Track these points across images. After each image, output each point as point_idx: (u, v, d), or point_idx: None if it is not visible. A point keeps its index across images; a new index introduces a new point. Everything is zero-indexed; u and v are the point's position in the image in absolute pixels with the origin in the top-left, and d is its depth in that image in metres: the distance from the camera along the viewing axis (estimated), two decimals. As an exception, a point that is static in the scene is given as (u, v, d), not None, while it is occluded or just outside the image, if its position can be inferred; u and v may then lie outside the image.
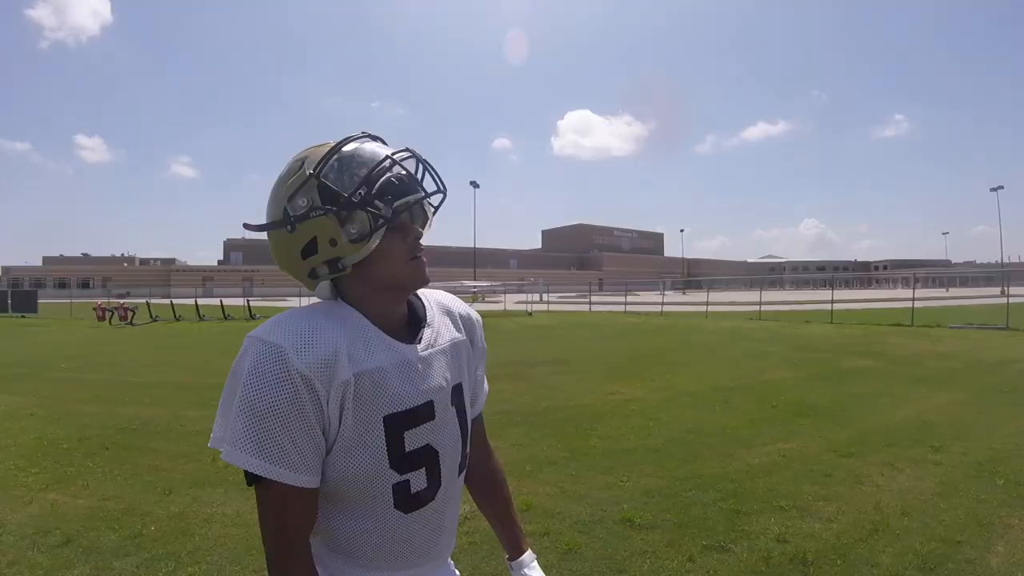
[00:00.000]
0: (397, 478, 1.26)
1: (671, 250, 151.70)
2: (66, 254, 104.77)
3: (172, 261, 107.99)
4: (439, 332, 1.40)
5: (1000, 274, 64.05)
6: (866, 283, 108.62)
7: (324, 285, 1.27)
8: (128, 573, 3.88)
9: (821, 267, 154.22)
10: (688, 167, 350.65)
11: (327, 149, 1.22)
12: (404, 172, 1.24)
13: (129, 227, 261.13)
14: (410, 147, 1.27)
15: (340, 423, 1.18)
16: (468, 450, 1.46)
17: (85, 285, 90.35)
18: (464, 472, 1.46)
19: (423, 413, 1.28)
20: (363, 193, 1.18)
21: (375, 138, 1.30)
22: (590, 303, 42.13)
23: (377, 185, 1.19)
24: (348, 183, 1.19)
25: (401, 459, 1.26)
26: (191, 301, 38.03)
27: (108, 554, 4.13)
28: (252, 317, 32.76)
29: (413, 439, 1.27)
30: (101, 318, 29.53)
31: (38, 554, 4.13)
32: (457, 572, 1.54)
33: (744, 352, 15.42)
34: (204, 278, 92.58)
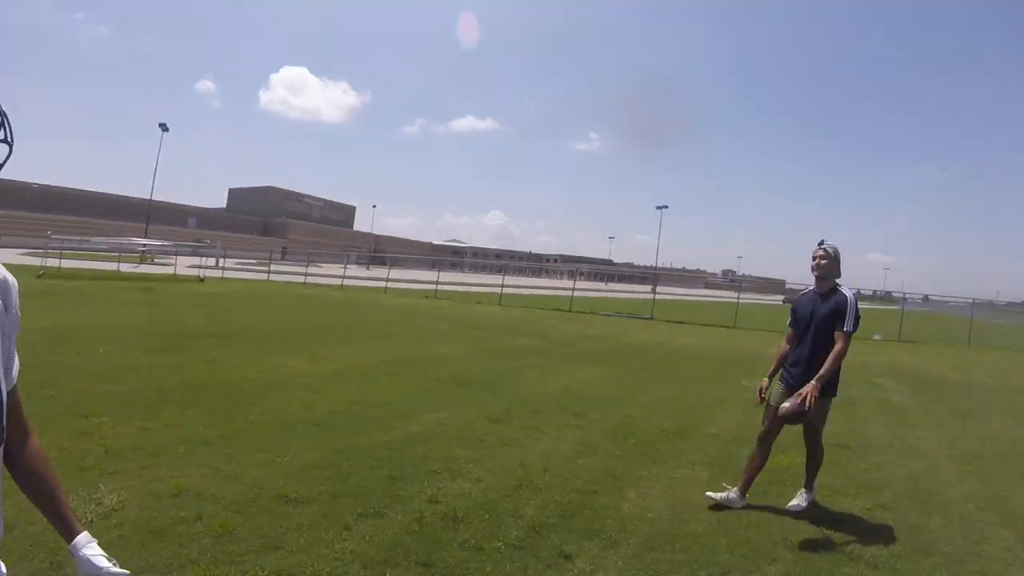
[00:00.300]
0: None
1: (361, 224, 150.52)
2: None
3: None
4: None
5: (652, 275, 72.42)
6: (537, 272, 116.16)
7: None
8: None
9: (499, 255, 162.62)
10: (394, 145, 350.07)
11: None
12: None
13: None
14: None
15: None
16: (4, 423, 1.31)
17: None
18: (1, 447, 1.33)
19: None
20: None
21: None
22: (269, 272, 40.28)
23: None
24: None
25: None
26: None
27: None
28: None
29: None
30: None
31: None
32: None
33: (416, 328, 15.74)
34: None
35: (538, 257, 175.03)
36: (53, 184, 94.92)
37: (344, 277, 36.04)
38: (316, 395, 7.47)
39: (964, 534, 4.70)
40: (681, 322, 24.41)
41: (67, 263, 34.90)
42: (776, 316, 34.94)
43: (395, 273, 42.61)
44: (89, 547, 1.41)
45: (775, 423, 4.72)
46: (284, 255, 73.03)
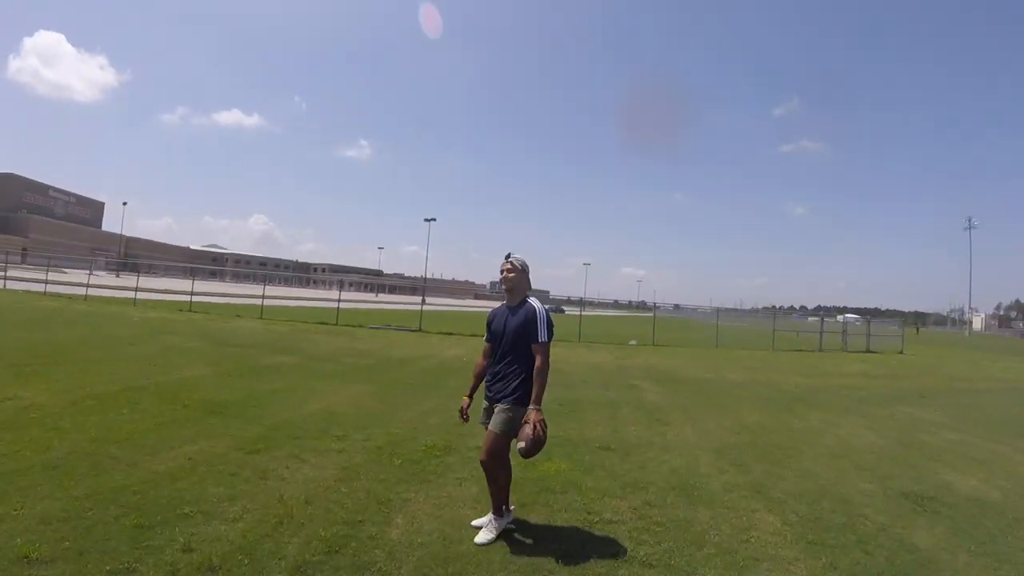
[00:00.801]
0: None
1: (111, 224, 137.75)
2: None
3: None
4: None
5: (421, 286, 73.07)
6: (305, 283, 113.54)
7: None
8: None
9: (263, 263, 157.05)
10: (151, 134, 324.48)
11: None
12: None
13: None
14: None
15: None
16: None
17: None
18: None
19: None
20: None
21: None
22: (5, 278, 35.68)
23: None
24: None
25: None
26: None
27: None
28: None
29: None
30: None
31: None
32: None
33: (165, 347, 14.47)
34: None
35: (305, 266, 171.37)
36: None
37: (89, 286, 32.68)
38: (52, 432, 6.70)
39: (731, 523, 5.15)
40: (451, 333, 24.60)
41: None
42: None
43: (147, 281, 39.65)
44: None
45: (497, 448, 4.61)
46: (24, 257, 65.42)
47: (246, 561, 3.94)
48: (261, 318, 25.43)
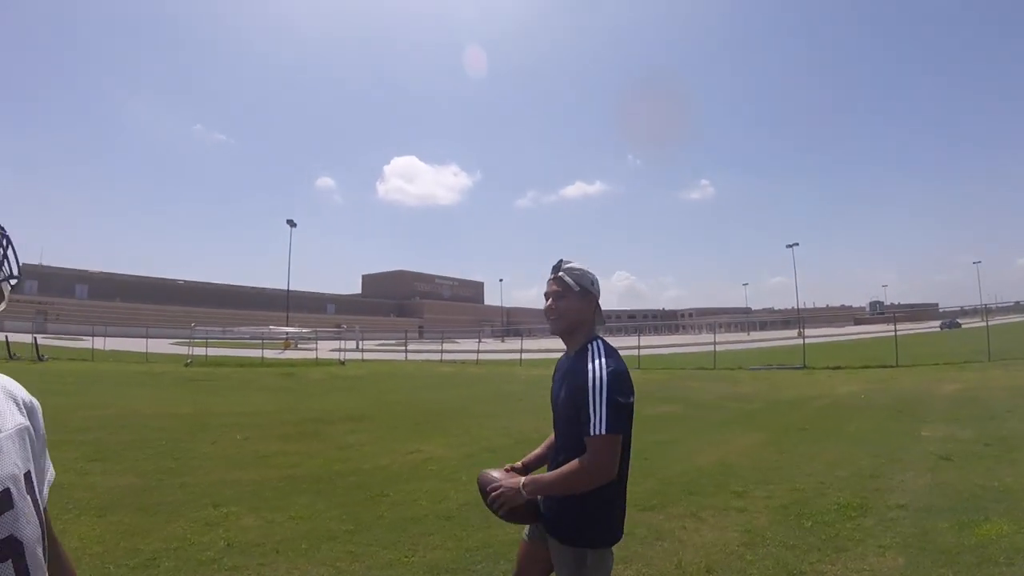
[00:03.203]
0: None
1: (491, 299, 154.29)
2: None
3: None
4: (4, 416, 1.28)
5: (796, 318, 69.30)
6: (673, 329, 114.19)
7: None
8: None
9: (632, 315, 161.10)
10: (509, 220, 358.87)
11: None
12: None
13: None
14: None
15: None
16: (47, 543, 1.32)
17: None
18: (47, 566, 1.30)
19: (2, 502, 1.18)
20: None
21: None
22: (407, 351, 41.17)
23: None
24: None
25: None
26: None
27: None
28: (40, 358, 29.30)
29: None
30: None
31: None
32: None
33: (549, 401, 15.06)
34: None
35: (672, 313, 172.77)
36: (197, 280, 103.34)
37: (479, 352, 36.32)
38: (448, 483, 7.02)
39: None
40: (838, 367, 22.21)
41: (213, 351, 36.66)
42: (940, 345, 32.52)
43: (529, 343, 42.60)
44: None
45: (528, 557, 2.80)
46: (421, 333, 74.94)
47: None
48: (639, 368, 25.55)
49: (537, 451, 3.01)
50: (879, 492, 6.14)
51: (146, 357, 34.52)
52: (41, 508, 1.31)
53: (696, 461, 7.87)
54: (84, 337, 49.84)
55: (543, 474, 2.54)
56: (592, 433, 2.34)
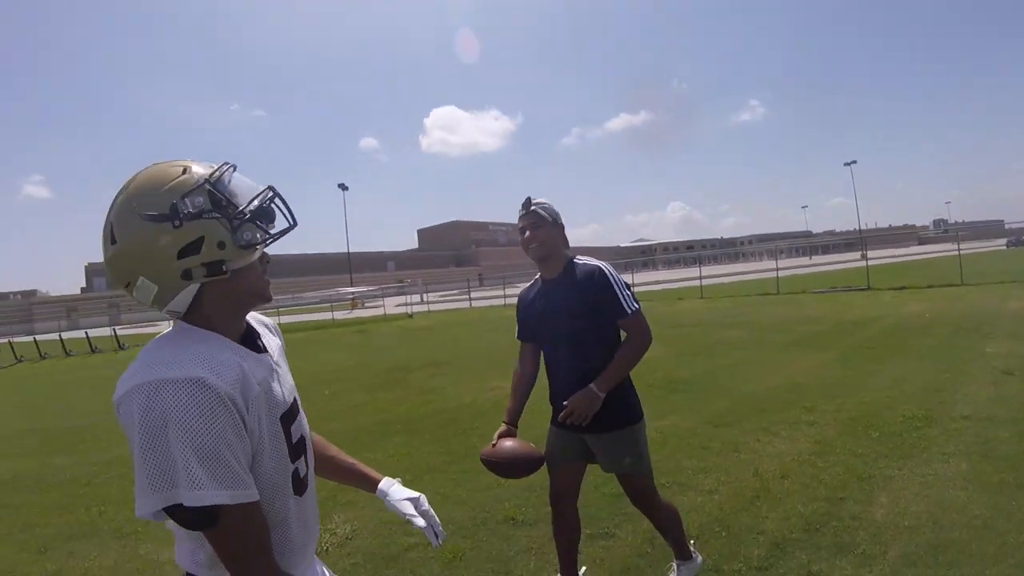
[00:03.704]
0: (291, 467, 1.43)
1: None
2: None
3: (33, 293, 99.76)
4: (269, 341, 1.53)
5: (859, 239, 67.84)
6: (733, 258, 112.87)
7: (187, 292, 1.29)
8: None
9: (690, 246, 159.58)
10: (556, 158, 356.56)
11: (204, 165, 1.32)
12: (275, 204, 1.38)
13: None
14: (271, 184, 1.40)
15: (259, 431, 1.30)
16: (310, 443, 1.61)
17: None
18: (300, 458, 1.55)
19: (294, 409, 1.48)
20: (254, 208, 1.34)
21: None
22: (470, 299, 41.82)
23: (263, 207, 1.36)
24: (240, 197, 1.33)
25: (294, 450, 1.44)
26: (56, 336, 35.14)
27: None
28: (121, 347, 30.70)
29: (294, 432, 1.45)
30: None
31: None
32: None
33: (619, 332, 15.44)
34: (68, 309, 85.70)
35: (731, 242, 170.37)
36: None
37: (540, 293, 36.69)
38: (530, 414, 7.42)
39: None
40: (903, 287, 21.89)
41: (286, 319, 37.91)
42: (1006, 263, 31.77)
43: (590, 281, 42.72)
44: (393, 488, 1.82)
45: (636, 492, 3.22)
46: (481, 281, 75.47)
47: (723, 534, 3.90)
48: (702, 298, 25.66)
49: (513, 403, 3.35)
50: (943, 405, 6.36)
51: None
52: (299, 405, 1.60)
53: (765, 381, 8.17)
54: (159, 323, 51.78)
55: (605, 372, 2.91)
56: (629, 312, 2.93)
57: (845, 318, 14.53)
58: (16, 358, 29.13)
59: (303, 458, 1.49)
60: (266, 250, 1.40)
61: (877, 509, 4.06)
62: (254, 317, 1.56)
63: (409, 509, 1.77)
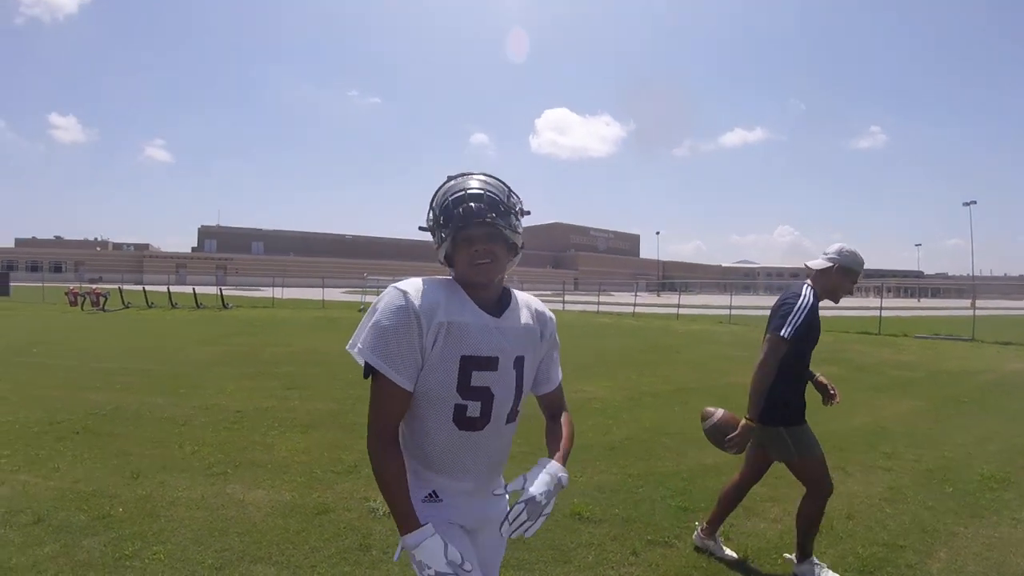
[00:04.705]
0: (459, 400, 1.79)
1: (647, 252, 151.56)
2: (39, 236, 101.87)
3: (145, 247, 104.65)
4: (518, 316, 1.93)
5: (970, 287, 64.80)
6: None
7: (445, 266, 1.89)
8: (96, 551, 3.91)
9: (795, 274, 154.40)
10: (665, 170, 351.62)
11: (443, 182, 1.81)
12: (472, 206, 1.73)
13: (102, 210, 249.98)
14: (491, 187, 1.80)
15: (432, 350, 1.73)
16: (519, 407, 1.95)
17: (57, 269, 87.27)
18: (513, 423, 1.96)
19: (490, 362, 1.80)
20: (436, 218, 1.78)
21: (480, 174, 1.83)
22: (563, 302, 41.99)
23: (449, 214, 1.74)
24: (436, 210, 1.78)
25: (466, 389, 1.78)
26: (163, 288, 36.92)
27: (77, 533, 4.17)
28: (225, 306, 32.29)
29: (478, 379, 1.79)
30: (73, 303, 28.90)
31: (10, 531, 4.15)
32: (506, 500, 2.00)
33: (710, 355, 15.54)
34: (177, 265, 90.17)
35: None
36: (360, 234, 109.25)
37: (635, 305, 36.67)
38: (611, 420, 7.78)
39: None
40: (1009, 343, 20.79)
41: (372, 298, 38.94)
42: None
43: (686, 298, 42.58)
44: (541, 467, 1.84)
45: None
46: (576, 285, 75.59)
47: (779, 561, 4.06)
48: (799, 328, 25.15)
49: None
50: None
51: (322, 304, 37.43)
52: (522, 386, 1.92)
53: (851, 421, 8.12)
54: (263, 288, 53.95)
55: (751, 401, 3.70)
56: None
57: (942, 367, 14.16)
58: (124, 304, 30.93)
59: (479, 403, 1.81)
60: (470, 245, 1.76)
61: (934, 563, 4.13)
62: (524, 300, 2.02)
63: (533, 489, 1.73)
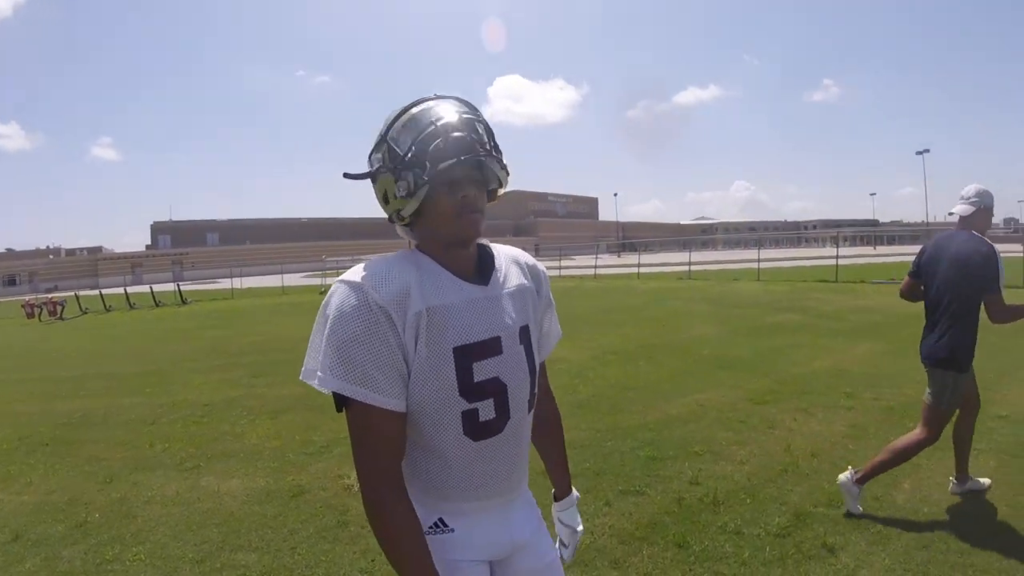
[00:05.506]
0: (466, 406, 1.37)
1: (606, 214, 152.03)
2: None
3: (99, 249, 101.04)
4: (507, 277, 1.50)
5: (925, 232, 66.03)
6: (795, 242, 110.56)
7: (404, 230, 1.43)
8: (77, 560, 3.88)
9: (752, 228, 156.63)
10: (621, 131, 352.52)
11: (399, 110, 1.37)
12: (461, 135, 1.31)
13: (53, 217, 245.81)
14: (475, 113, 1.39)
15: (415, 351, 1.30)
16: (536, 390, 1.56)
17: (11, 282, 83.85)
18: (533, 410, 1.56)
19: (490, 346, 1.39)
20: (412, 154, 1.30)
21: (452, 99, 1.42)
22: (524, 268, 42.22)
23: (428, 148, 1.29)
24: (404, 144, 1.32)
25: (470, 388, 1.36)
26: (120, 290, 36.32)
27: (56, 544, 4.13)
28: (184, 302, 31.69)
29: (481, 370, 1.37)
30: (30, 315, 28.05)
31: (-11, 552, 4.08)
32: (536, 506, 1.69)
33: (671, 311, 15.69)
34: (133, 265, 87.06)
35: (795, 225, 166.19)
36: (321, 216, 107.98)
37: (596, 267, 36.88)
38: (578, 379, 7.83)
39: None
40: None
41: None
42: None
43: (646, 258, 42.78)
44: (564, 510, 1.83)
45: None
46: (537, 251, 75.65)
47: (748, 501, 4.13)
48: (758, 280, 25.45)
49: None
50: (984, 403, 6.23)
51: (282, 290, 36.92)
52: (534, 359, 1.51)
53: (811, 365, 8.28)
54: (220, 280, 53.21)
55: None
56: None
57: (899, 310, 14.38)
58: (82, 310, 30.11)
59: (491, 401, 1.41)
60: (454, 191, 1.33)
61: (899, 494, 4.25)
62: (509, 255, 1.58)
63: (567, 536, 1.81)
